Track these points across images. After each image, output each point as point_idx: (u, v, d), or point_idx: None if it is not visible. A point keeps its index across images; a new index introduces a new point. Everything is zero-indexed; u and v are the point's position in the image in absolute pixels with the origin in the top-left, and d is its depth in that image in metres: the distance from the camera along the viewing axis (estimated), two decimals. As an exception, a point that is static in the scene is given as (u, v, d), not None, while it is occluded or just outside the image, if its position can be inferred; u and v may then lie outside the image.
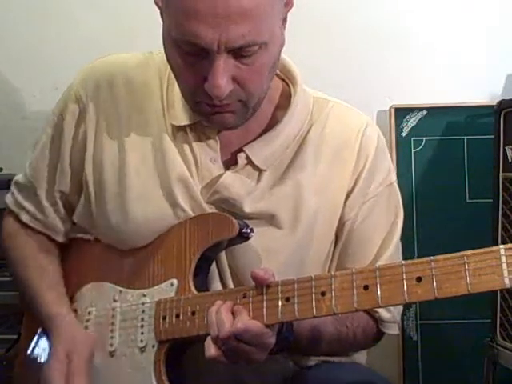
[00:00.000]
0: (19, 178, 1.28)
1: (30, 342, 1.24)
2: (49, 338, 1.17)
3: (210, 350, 0.98)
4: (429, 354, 2.05)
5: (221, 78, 0.98)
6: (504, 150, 1.77)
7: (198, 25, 0.95)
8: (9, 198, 1.29)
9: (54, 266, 1.25)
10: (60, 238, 1.27)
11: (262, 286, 1.00)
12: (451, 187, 2.06)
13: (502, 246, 0.89)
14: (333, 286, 0.96)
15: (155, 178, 1.14)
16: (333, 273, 0.99)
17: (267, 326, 0.99)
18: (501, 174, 1.79)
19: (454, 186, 2.06)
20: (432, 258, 0.92)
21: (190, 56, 1.00)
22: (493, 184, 1.81)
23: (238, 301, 1.01)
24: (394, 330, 1.22)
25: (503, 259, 0.88)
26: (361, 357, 1.26)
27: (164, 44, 1.04)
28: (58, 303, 1.19)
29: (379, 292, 0.94)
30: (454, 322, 1.99)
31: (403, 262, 0.94)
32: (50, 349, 1.15)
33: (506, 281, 0.87)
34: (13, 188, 1.29)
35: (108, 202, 1.15)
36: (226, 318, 0.98)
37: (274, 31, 1.01)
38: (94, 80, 1.19)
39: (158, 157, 1.14)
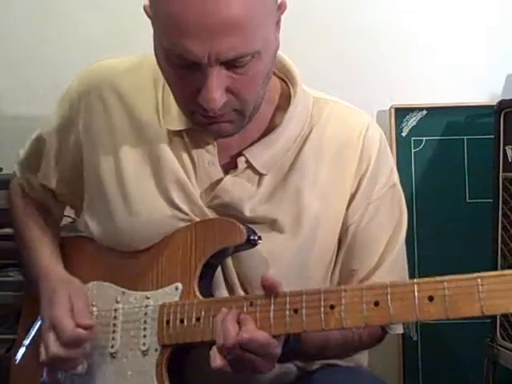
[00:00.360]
0: (21, 154, 1.31)
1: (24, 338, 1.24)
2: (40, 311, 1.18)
3: (216, 360, 0.97)
4: (429, 354, 2.06)
5: (215, 92, 0.96)
6: (504, 150, 1.77)
7: (187, 39, 0.92)
8: (15, 167, 1.33)
9: (50, 230, 1.29)
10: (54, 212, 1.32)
11: (271, 294, 1.00)
12: (451, 187, 2.06)
13: None
14: (342, 301, 0.96)
15: (153, 182, 1.13)
16: (342, 287, 0.98)
17: (274, 336, 0.98)
18: (501, 173, 1.79)
19: (454, 185, 2.06)
20: (445, 277, 0.91)
21: (181, 68, 0.98)
22: (493, 184, 1.81)
23: (245, 309, 1.00)
24: (399, 329, 1.21)
25: None
26: (363, 358, 1.25)
27: (155, 53, 1.02)
28: (54, 260, 1.23)
29: (390, 309, 0.93)
30: (454, 322, 1.98)
31: (415, 280, 0.93)
32: (46, 295, 1.16)
33: None
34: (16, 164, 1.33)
35: (110, 206, 1.15)
36: (232, 327, 0.97)
37: (268, 38, 0.98)
38: (87, 86, 1.18)
39: (154, 161, 1.13)
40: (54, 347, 1.09)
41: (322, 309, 0.96)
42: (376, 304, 0.94)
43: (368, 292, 0.95)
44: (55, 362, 1.11)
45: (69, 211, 1.35)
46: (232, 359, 0.97)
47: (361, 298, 0.95)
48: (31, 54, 2.09)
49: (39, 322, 1.19)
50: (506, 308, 0.88)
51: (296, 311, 0.98)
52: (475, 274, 0.89)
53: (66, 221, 1.40)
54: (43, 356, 1.11)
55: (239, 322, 0.99)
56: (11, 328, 1.77)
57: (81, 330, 1.09)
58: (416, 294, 0.91)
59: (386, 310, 0.93)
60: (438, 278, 0.91)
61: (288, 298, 0.99)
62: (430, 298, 0.91)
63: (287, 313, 0.98)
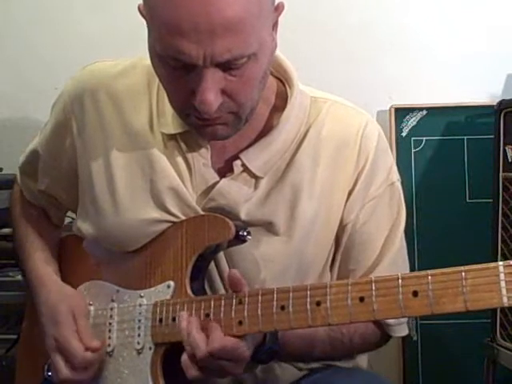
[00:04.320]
0: (21, 159, 1.31)
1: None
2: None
3: (190, 370, 0.98)
4: (429, 353, 2.06)
5: (209, 94, 0.95)
6: (504, 150, 1.78)
7: (181, 41, 0.91)
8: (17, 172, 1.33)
9: (47, 236, 1.29)
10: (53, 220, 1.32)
11: (235, 290, 1.01)
12: (451, 187, 2.06)
13: (500, 263, 0.86)
14: (328, 297, 0.95)
15: (144, 186, 1.11)
16: (328, 283, 0.97)
17: (241, 337, 0.99)
18: (501, 173, 1.79)
19: (454, 185, 2.06)
20: (429, 271, 0.90)
21: (176, 70, 0.96)
22: (493, 184, 1.81)
23: (234, 307, 1.00)
24: (402, 331, 1.19)
25: (502, 277, 0.85)
26: (362, 358, 1.24)
27: (150, 53, 1.01)
28: (48, 269, 1.23)
29: (375, 305, 0.92)
30: (454, 322, 1.99)
31: (399, 274, 0.92)
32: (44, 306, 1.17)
33: (505, 299, 0.85)
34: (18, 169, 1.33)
35: (100, 210, 1.14)
36: (200, 338, 0.98)
37: (263, 40, 0.97)
38: (79, 89, 1.16)
39: (146, 165, 1.12)
40: (64, 371, 1.10)
41: (309, 305, 0.96)
42: (361, 300, 0.93)
43: (353, 288, 0.94)
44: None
45: (70, 212, 1.36)
46: (204, 366, 0.98)
47: (346, 294, 0.94)
48: (31, 55, 2.10)
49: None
50: (490, 303, 0.86)
51: (283, 308, 0.97)
52: (459, 268, 0.88)
53: (66, 221, 1.40)
54: (54, 378, 1.12)
55: (205, 329, 0.99)
56: (11, 328, 1.77)
57: (90, 354, 1.10)
58: (400, 289, 0.90)
59: (370, 305, 0.92)
60: (422, 273, 0.90)
61: (275, 295, 0.98)
62: (415, 294, 0.89)
63: (274, 310, 0.98)
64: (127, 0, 1.99)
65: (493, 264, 0.87)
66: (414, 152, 2.07)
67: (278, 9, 1.01)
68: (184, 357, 0.99)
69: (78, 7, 2.08)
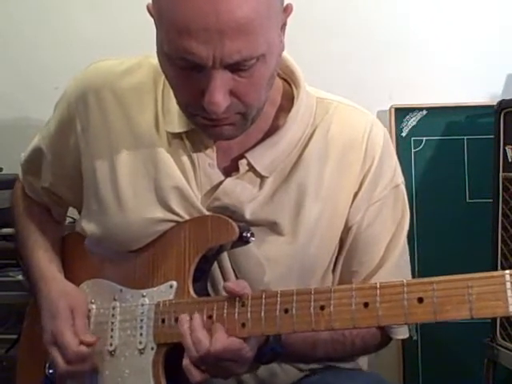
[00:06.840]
0: (23, 157, 1.31)
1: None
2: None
3: (194, 375, 0.99)
4: (429, 353, 2.06)
5: (218, 95, 0.95)
6: (504, 150, 1.78)
7: (191, 41, 0.91)
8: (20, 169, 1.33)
9: (50, 233, 1.29)
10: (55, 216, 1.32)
11: (235, 297, 1.01)
12: (451, 187, 2.06)
13: (507, 272, 0.86)
14: (332, 301, 0.95)
15: (148, 185, 1.11)
16: (332, 287, 0.97)
17: (245, 339, 0.99)
18: (501, 173, 1.79)
19: (453, 185, 2.06)
20: (434, 278, 0.89)
21: (184, 70, 0.96)
22: (493, 184, 1.81)
23: (237, 309, 1.00)
24: (404, 333, 1.19)
25: (508, 285, 0.85)
26: (361, 359, 1.24)
27: (158, 55, 1.00)
28: (51, 267, 1.23)
29: (379, 310, 0.91)
30: (454, 322, 1.98)
31: (404, 281, 0.91)
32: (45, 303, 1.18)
33: (511, 308, 0.85)
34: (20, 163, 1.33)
35: (104, 209, 1.14)
36: (203, 335, 0.99)
37: (272, 41, 0.97)
38: (84, 88, 1.16)
39: (151, 165, 1.11)
40: (61, 365, 1.12)
41: (312, 309, 0.95)
42: (365, 305, 0.92)
43: (357, 293, 0.94)
44: (65, 378, 1.15)
45: (71, 211, 1.36)
46: (207, 367, 0.98)
47: (350, 299, 0.94)
48: (31, 56, 2.10)
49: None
50: (495, 312, 0.86)
51: (286, 311, 0.97)
52: (465, 276, 0.88)
53: (67, 221, 1.41)
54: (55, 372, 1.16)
55: (208, 330, 0.99)
56: (11, 328, 1.77)
57: (84, 348, 1.12)
58: (405, 295, 0.90)
59: (375, 311, 0.92)
60: (427, 280, 0.90)
61: (279, 299, 0.98)
62: (420, 300, 0.89)
63: (277, 313, 0.97)
64: (127, 0, 2.01)
65: (499, 272, 0.86)
66: (414, 152, 2.07)
67: (287, 10, 1.01)
68: (185, 361, 0.99)
69: (78, 7, 2.08)
